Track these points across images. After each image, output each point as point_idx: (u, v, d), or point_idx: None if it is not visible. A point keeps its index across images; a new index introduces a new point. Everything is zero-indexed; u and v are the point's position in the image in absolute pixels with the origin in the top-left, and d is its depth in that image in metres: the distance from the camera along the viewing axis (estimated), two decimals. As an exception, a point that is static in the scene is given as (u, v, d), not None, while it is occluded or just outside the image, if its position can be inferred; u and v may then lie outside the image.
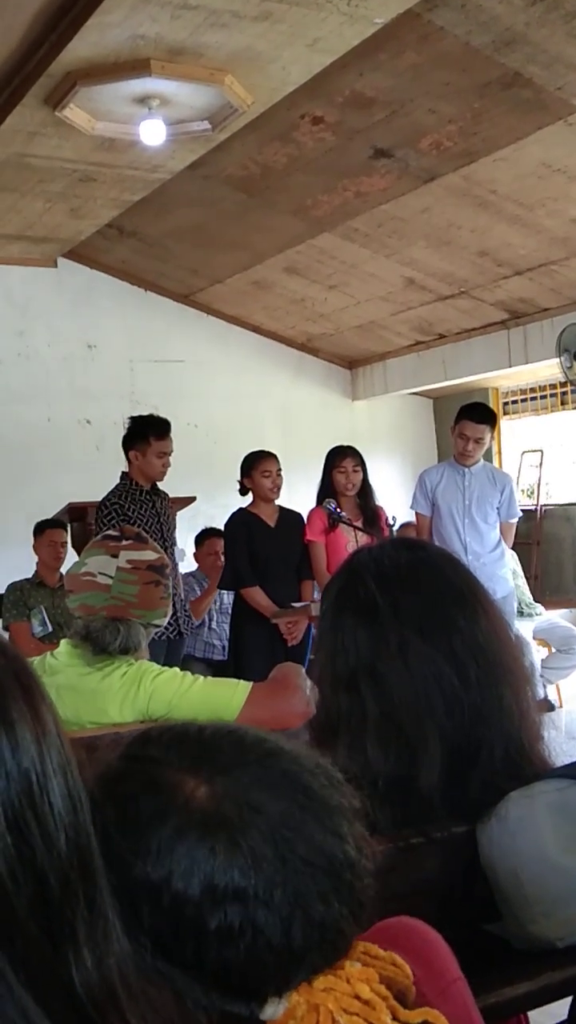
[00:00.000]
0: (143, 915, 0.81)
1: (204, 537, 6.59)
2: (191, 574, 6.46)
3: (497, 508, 5.70)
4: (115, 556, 2.38)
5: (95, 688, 2.32)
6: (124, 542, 2.42)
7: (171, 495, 5.39)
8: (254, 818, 0.83)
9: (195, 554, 6.63)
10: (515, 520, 5.88)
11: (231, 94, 5.00)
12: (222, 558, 6.33)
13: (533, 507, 8.80)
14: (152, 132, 5.25)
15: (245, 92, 5.03)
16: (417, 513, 5.87)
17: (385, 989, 0.84)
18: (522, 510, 8.58)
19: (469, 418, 5.58)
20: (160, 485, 5.26)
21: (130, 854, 0.82)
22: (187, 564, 6.65)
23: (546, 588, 8.35)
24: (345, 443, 5.68)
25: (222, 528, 6.14)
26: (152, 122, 5.20)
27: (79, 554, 2.96)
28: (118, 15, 4.33)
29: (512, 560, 6.66)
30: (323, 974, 0.84)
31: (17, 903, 0.66)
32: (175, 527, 5.36)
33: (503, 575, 5.70)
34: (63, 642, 2.46)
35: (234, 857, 0.81)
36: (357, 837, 0.88)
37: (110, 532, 2.53)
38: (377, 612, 1.37)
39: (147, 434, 5.09)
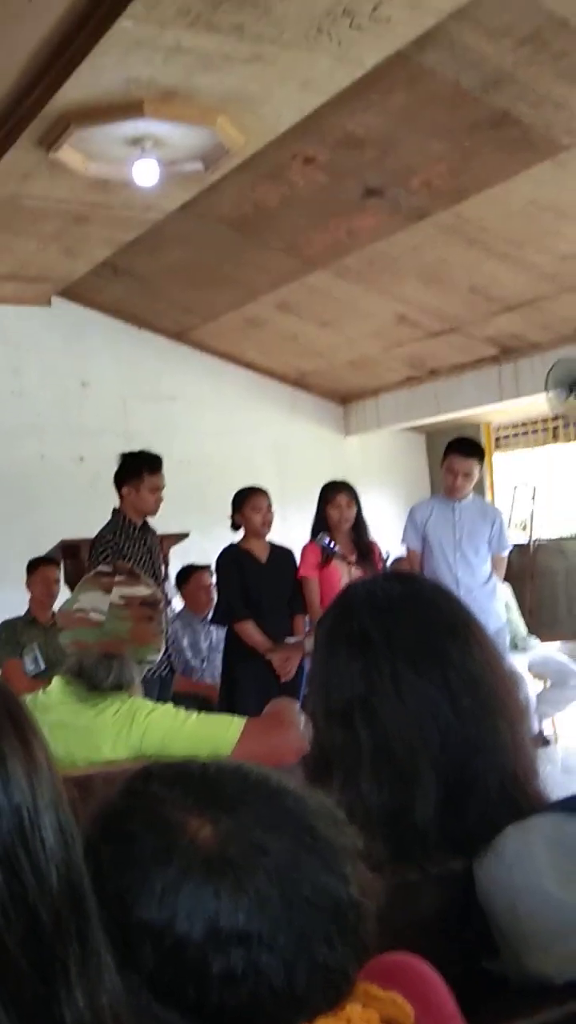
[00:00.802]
0: (144, 955, 0.79)
1: (188, 573, 6.37)
2: (177, 616, 6.23)
3: (488, 541, 5.71)
4: (108, 592, 2.38)
5: (88, 725, 2.31)
6: (117, 578, 2.42)
7: (164, 531, 5.39)
8: (259, 860, 0.81)
9: (182, 593, 6.42)
10: (506, 553, 5.89)
11: (223, 135, 5.06)
12: (212, 592, 6.28)
13: (526, 541, 8.81)
14: (145, 172, 5.30)
15: (237, 133, 5.09)
16: (408, 548, 5.87)
17: None
18: (516, 544, 8.61)
19: (457, 452, 5.61)
20: (153, 521, 5.26)
21: (131, 893, 0.81)
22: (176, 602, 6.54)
23: (540, 622, 8.34)
24: (338, 478, 5.69)
25: (210, 564, 6.10)
26: (145, 162, 5.25)
27: (72, 591, 2.96)
28: (112, 58, 4.39)
29: (506, 593, 6.66)
30: (323, 1015, 0.83)
31: (8, 940, 0.66)
32: (167, 563, 5.35)
33: (495, 608, 5.70)
34: (55, 679, 2.45)
35: (239, 899, 0.79)
36: (361, 879, 0.87)
37: (103, 568, 2.53)
38: (370, 645, 1.37)
39: (140, 469, 5.10)
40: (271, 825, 0.84)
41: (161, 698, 4.16)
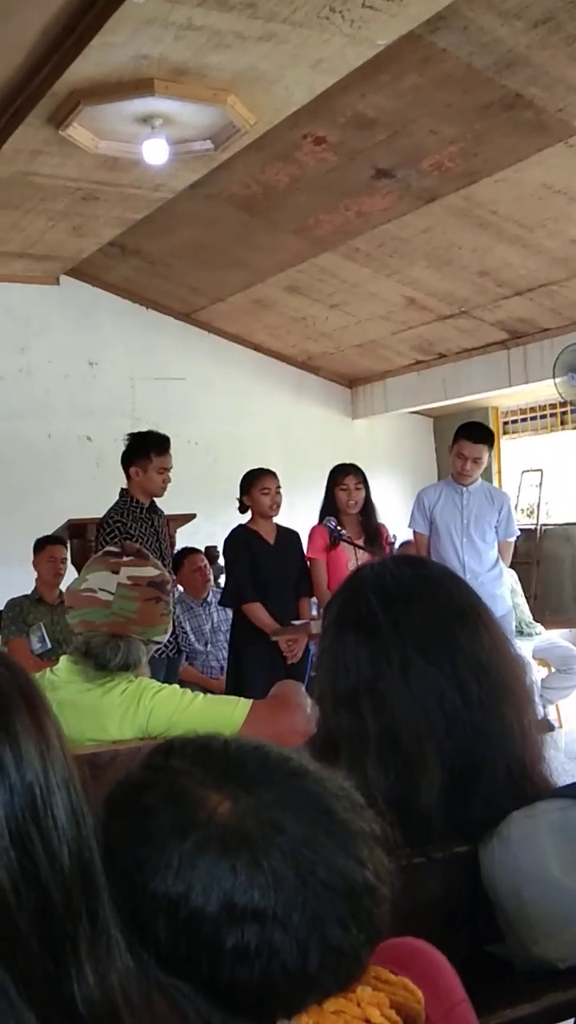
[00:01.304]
0: (158, 928, 0.80)
1: (183, 556, 6.30)
2: (177, 601, 6.10)
3: (495, 527, 5.70)
4: (116, 572, 2.38)
5: (95, 705, 2.31)
6: (125, 558, 2.42)
7: (171, 512, 5.38)
8: (276, 838, 0.82)
9: (178, 578, 6.29)
10: (513, 539, 5.88)
11: (234, 114, 5.04)
12: (208, 573, 6.28)
13: (533, 526, 8.80)
14: (155, 151, 5.28)
15: (248, 112, 5.07)
16: (415, 532, 5.86)
17: (395, 1014, 0.84)
18: (522, 529, 8.58)
19: (467, 438, 5.59)
20: (160, 502, 5.25)
21: (149, 866, 0.81)
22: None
23: (546, 608, 8.34)
24: (346, 461, 5.68)
25: (212, 545, 6.10)
26: (155, 141, 5.23)
27: (79, 571, 2.96)
28: (122, 35, 4.37)
29: (511, 579, 6.66)
30: (334, 997, 0.83)
31: (20, 918, 0.66)
32: (174, 544, 5.35)
33: (501, 594, 5.69)
34: (63, 658, 2.45)
35: (255, 876, 0.80)
36: (376, 863, 0.87)
37: (111, 548, 2.53)
38: (379, 629, 1.36)
39: (148, 450, 5.09)
40: (290, 805, 0.85)
41: (168, 679, 4.17)
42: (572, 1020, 1.21)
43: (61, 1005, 0.67)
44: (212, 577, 6.43)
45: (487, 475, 8.68)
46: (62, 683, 2.37)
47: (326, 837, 0.84)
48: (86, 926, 0.70)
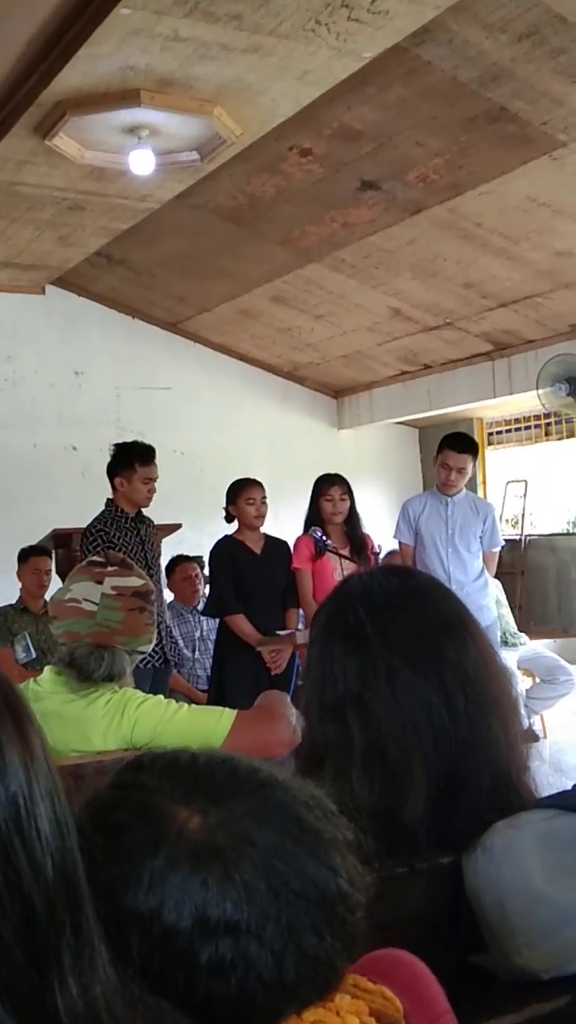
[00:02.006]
0: (133, 945, 0.80)
1: (175, 564, 6.43)
2: (168, 607, 6.23)
3: (480, 537, 5.72)
4: (100, 583, 2.37)
5: (79, 715, 2.31)
6: (109, 568, 2.41)
7: (157, 522, 5.38)
8: (247, 850, 0.82)
9: (169, 583, 6.45)
10: (498, 549, 5.90)
11: (220, 125, 5.05)
12: (199, 582, 6.29)
13: (517, 537, 8.83)
14: (141, 162, 5.29)
15: (234, 123, 5.08)
16: (400, 543, 5.87)
17: (375, 1022, 0.83)
18: (506, 540, 8.60)
19: (451, 448, 5.61)
20: (145, 512, 5.25)
21: (120, 884, 0.81)
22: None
23: (530, 618, 8.36)
24: (331, 471, 5.69)
25: (200, 555, 6.10)
26: (141, 152, 5.24)
27: (63, 581, 2.96)
28: (109, 46, 4.37)
29: (496, 589, 6.67)
30: (313, 1006, 0.83)
31: (3, 929, 0.66)
32: (160, 554, 5.34)
33: (487, 604, 5.71)
34: (47, 669, 2.44)
35: (227, 890, 0.80)
36: (350, 870, 0.87)
37: (95, 558, 2.52)
38: (366, 640, 1.36)
39: (133, 460, 5.09)
40: (260, 817, 0.84)
41: (154, 690, 4.16)
42: (556, 1031, 1.21)
43: (44, 1016, 0.67)
44: (201, 585, 6.44)
45: (471, 486, 8.71)
46: (46, 693, 2.36)
47: (297, 847, 0.84)
48: (70, 938, 0.69)
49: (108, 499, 5.19)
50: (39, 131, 5.15)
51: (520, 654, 6.48)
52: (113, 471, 5.16)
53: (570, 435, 8.77)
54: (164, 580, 6.31)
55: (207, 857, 0.81)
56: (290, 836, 0.84)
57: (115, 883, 0.81)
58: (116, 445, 5.29)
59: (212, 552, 5.54)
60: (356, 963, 0.89)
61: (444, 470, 5.63)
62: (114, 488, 5.17)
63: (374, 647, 1.35)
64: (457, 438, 5.72)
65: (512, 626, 6.82)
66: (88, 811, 0.87)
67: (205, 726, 2.28)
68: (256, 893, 0.80)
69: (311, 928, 0.81)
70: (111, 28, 4.23)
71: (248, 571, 5.38)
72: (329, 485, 5.51)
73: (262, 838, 0.83)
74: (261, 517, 5.45)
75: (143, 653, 2.47)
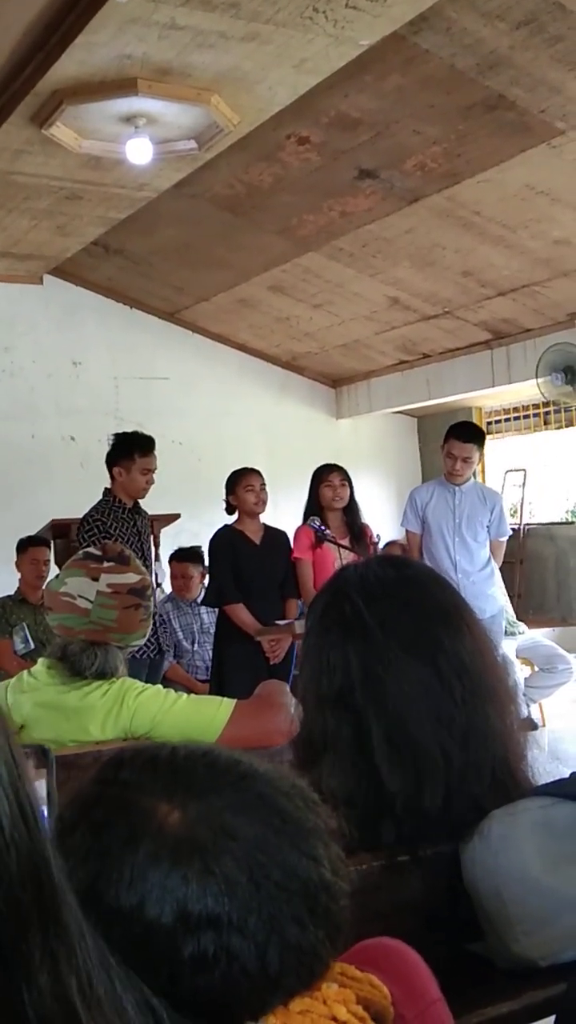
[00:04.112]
0: (116, 941, 0.79)
1: (174, 561, 6.37)
2: (168, 598, 6.25)
3: (487, 526, 5.71)
4: (96, 579, 2.34)
5: (77, 706, 2.30)
6: (105, 564, 2.38)
7: (155, 512, 5.38)
8: (228, 844, 0.82)
9: (171, 576, 6.41)
10: (505, 538, 5.90)
11: (217, 114, 5.03)
12: (194, 581, 6.29)
13: (516, 526, 8.83)
14: (138, 151, 5.27)
15: (231, 112, 5.06)
16: (408, 531, 5.87)
17: (362, 1010, 0.84)
18: (507, 529, 8.57)
19: (456, 437, 5.61)
20: (144, 502, 5.25)
21: (102, 880, 0.81)
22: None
23: (529, 607, 8.36)
24: (330, 461, 5.70)
25: (198, 545, 6.10)
26: (138, 141, 5.22)
27: (62, 571, 2.94)
28: (105, 35, 4.36)
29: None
30: (300, 996, 0.83)
31: None
32: (158, 545, 5.34)
33: (492, 593, 5.71)
34: (40, 661, 2.43)
35: (207, 884, 0.80)
36: (333, 859, 0.87)
37: (92, 550, 2.47)
38: (363, 630, 1.37)
39: (132, 451, 5.08)
40: (240, 809, 0.84)
41: (149, 680, 4.16)
42: (552, 1018, 1.21)
43: (11, 1017, 0.65)
44: (197, 578, 6.43)
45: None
46: (41, 685, 2.36)
47: (279, 838, 0.84)
48: (36, 934, 0.67)
49: (105, 489, 5.19)
50: (36, 120, 5.13)
51: (519, 643, 6.49)
52: (112, 460, 5.15)
53: (569, 424, 8.76)
54: (167, 571, 6.30)
55: (187, 851, 0.81)
56: (271, 828, 0.84)
57: (96, 880, 0.81)
58: (116, 435, 5.29)
59: (212, 542, 5.54)
60: (347, 952, 0.89)
61: (450, 459, 5.62)
62: (112, 478, 5.16)
63: (371, 636, 1.36)
64: (462, 427, 5.71)
65: (511, 615, 6.83)
66: (72, 808, 0.87)
67: (204, 715, 2.28)
68: (237, 886, 0.80)
69: (294, 918, 0.81)
70: (108, 16, 4.21)
71: (248, 561, 5.38)
72: (329, 472, 5.53)
73: (243, 831, 0.83)
74: (261, 504, 5.44)
75: (136, 648, 2.46)
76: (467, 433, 5.63)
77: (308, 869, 0.84)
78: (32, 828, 0.68)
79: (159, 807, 0.83)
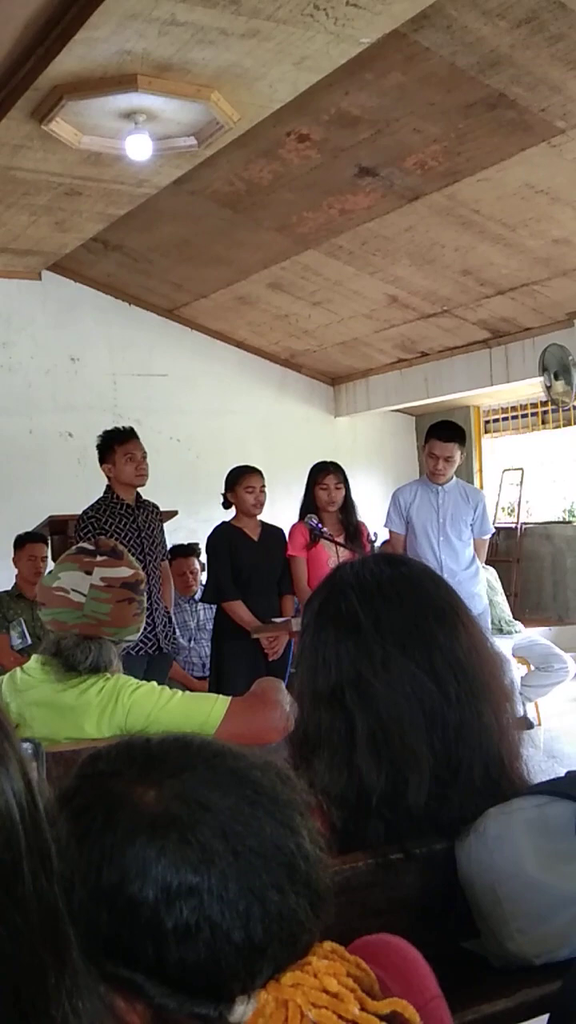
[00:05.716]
0: (101, 921, 0.81)
1: (173, 556, 6.19)
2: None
3: (471, 525, 5.72)
4: (89, 573, 2.34)
5: (72, 704, 2.30)
6: (99, 558, 2.38)
7: (153, 509, 5.37)
8: (203, 815, 0.83)
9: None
10: (488, 536, 5.91)
11: (217, 111, 5.02)
12: (192, 577, 6.27)
13: (513, 525, 8.83)
14: (138, 147, 5.27)
15: (231, 109, 5.06)
16: (392, 532, 5.87)
17: (352, 982, 0.85)
18: (502, 528, 8.61)
19: (437, 437, 5.61)
20: (147, 494, 5.25)
21: (83, 862, 0.82)
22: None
23: (525, 606, 8.37)
24: (327, 459, 5.69)
25: (195, 542, 6.08)
26: (138, 137, 5.21)
27: (59, 567, 2.93)
28: (106, 30, 4.35)
29: (491, 577, 6.68)
30: (290, 970, 0.84)
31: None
32: (162, 541, 5.32)
33: (478, 592, 5.72)
34: (33, 658, 2.42)
35: (185, 854, 0.81)
36: (311, 830, 0.88)
37: (85, 545, 2.47)
38: (359, 627, 1.37)
39: (111, 443, 5.12)
40: (215, 783, 0.86)
41: (147, 677, 4.16)
42: (547, 1016, 1.21)
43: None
44: (198, 578, 6.43)
45: (468, 474, 8.71)
46: (35, 683, 2.35)
47: (253, 808, 0.86)
48: (61, 993, 0.67)
49: (107, 486, 5.20)
50: (35, 116, 5.13)
51: (515, 642, 6.50)
52: (101, 460, 5.19)
53: (567, 423, 8.76)
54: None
55: (163, 825, 0.82)
56: (245, 799, 0.86)
57: (78, 863, 0.82)
58: (99, 436, 5.29)
59: (210, 539, 5.54)
60: (348, 947, 0.89)
61: (431, 459, 5.63)
62: (108, 477, 5.18)
63: (367, 634, 1.36)
64: (443, 427, 5.70)
65: (507, 614, 6.84)
66: (55, 804, 0.88)
67: (199, 713, 2.28)
68: (215, 855, 0.82)
69: (274, 885, 0.83)
70: (108, 12, 4.20)
71: (245, 558, 5.38)
72: (324, 474, 5.51)
73: (217, 803, 0.84)
74: (259, 505, 5.45)
75: (130, 642, 2.46)
76: (448, 432, 5.63)
77: (284, 837, 0.85)
78: (49, 874, 0.70)
79: (135, 789, 0.86)
